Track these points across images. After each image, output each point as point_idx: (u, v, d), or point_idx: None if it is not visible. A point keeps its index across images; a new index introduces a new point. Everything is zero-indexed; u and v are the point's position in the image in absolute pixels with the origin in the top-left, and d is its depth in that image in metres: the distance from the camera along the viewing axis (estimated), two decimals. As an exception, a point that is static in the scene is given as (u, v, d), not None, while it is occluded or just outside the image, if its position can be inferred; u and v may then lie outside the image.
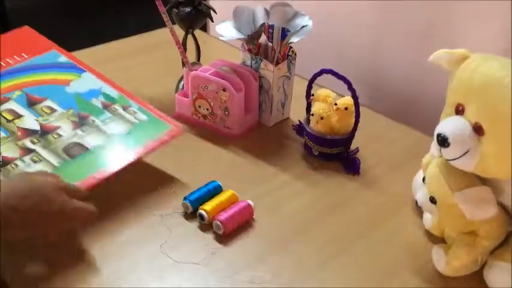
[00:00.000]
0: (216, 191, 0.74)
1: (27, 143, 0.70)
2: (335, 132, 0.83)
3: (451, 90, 0.61)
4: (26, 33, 0.89)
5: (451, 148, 0.57)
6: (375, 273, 0.65)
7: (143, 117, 0.77)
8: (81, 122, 0.74)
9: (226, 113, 0.87)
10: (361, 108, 0.80)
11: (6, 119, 0.73)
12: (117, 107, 0.78)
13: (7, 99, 0.75)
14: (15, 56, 0.83)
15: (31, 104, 0.76)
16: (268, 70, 0.88)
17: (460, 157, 0.57)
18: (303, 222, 0.73)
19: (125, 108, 0.78)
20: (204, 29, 1.31)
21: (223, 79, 0.85)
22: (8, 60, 0.82)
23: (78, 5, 2.01)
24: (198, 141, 0.88)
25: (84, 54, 1.15)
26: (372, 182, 0.81)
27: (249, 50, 0.89)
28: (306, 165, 0.84)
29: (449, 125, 0.58)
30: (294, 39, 0.85)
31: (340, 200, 0.77)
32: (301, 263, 0.66)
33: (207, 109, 0.89)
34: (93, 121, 0.75)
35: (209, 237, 0.69)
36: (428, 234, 0.71)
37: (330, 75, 0.80)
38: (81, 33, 1.98)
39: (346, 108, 0.81)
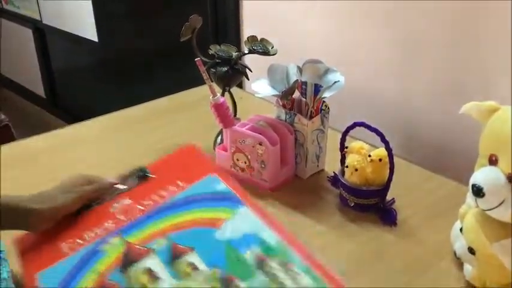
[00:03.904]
0: None
1: None
2: (370, 184, 0.84)
3: (483, 141, 0.62)
4: (189, 153, 0.77)
5: (486, 198, 0.58)
6: (415, 326, 0.64)
7: (308, 282, 0.57)
8: None
9: (263, 166, 0.90)
10: (395, 159, 0.82)
11: (141, 283, 0.60)
12: (275, 264, 0.59)
13: (150, 252, 0.63)
14: (170, 187, 0.71)
15: (174, 258, 0.62)
16: (302, 124, 0.91)
17: (496, 207, 0.58)
18: (340, 274, 0.73)
19: (285, 267, 0.59)
20: (240, 85, 1.37)
21: (260, 133, 0.89)
22: (162, 192, 0.70)
23: (120, 68, 2.13)
24: (236, 194, 0.91)
25: (125, 114, 1.23)
26: (409, 233, 0.81)
27: (283, 106, 0.93)
28: (342, 216, 0.85)
29: (483, 175, 0.59)
30: (327, 94, 0.89)
31: (378, 252, 0.77)
32: (340, 315, 0.66)
33: (245, 162, 0.92)
34: None
35: None
36: (470, 285, 0.70)
37: (363, 127, 0.83)
38: (122, 93, 2.09)
39: (380, 160, 0.82)
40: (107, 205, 0.71)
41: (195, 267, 0.60)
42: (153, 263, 0.62)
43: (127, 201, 0.71)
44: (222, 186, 0.70)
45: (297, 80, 0.90)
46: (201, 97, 1.09)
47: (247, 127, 0.92)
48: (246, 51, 0.95)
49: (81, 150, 1.08)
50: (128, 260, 0.63)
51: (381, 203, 0.85)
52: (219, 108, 0.91)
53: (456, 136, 1.04)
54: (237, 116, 1.02)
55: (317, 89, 0.90)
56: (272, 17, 1.32)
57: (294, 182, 0.94)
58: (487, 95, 0.95)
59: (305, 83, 0.91)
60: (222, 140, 0.99)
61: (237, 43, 1.43)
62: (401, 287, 0.70)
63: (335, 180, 0.92)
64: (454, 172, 0.94)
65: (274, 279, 0.57)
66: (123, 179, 0.74)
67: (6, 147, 1.08)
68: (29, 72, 2.72)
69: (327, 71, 0.91)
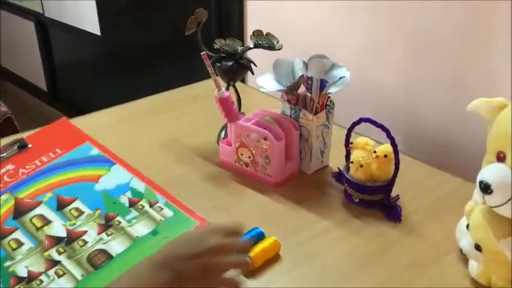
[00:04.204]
0: (259, 237, 0.75)
1: (53, 253, 0.70)
2: (375, 180, 0.84)
3: (491, 138, 0.62)
4: (62, 126, 0.92)
5: (494, 195, 0.58)
6: (420, 322, 0.64)
7: (169, 213, 0.76)
8: (106, 225, 0.74)
9: (267, 161, 0.90)
10: (400, 155, 0.82)
11: (35, 226, 0.73)
12: (143, 203, 0.78)
13: (39, 203, 0.76)
14: (50, 153, 0.85)
15: (60, 206, 0.76)
16: (307, 119, 0.90)
17: (503, 204, 0.57)
18: (345, 270, 0.73)
19: (151, 205, 0.77)
20: (243, 80, 1.37)
21: (265, 128, 0.89)
22: (43, 158, 0.84)
23: (124, 60, 2.12)
24: (241, 189, 0.91)
25: (130, 107, 1.22)
26: (414, 229, 0.81)
27: (288, 101, 0.93)
28: (346, 212, 0.85)
29: (491, 172, 0.59)
30: (332, 90, 0.88)
31: (382, 248, 0.77)
32: (345, 310, 0.66)
33: (249, 157, 0.92)
34: (119, 222, 0.74)
35: (253, 283, 0.70)
36: (475, 282, 0.70)
37: (368, 123, 0.82)
38: (124, 87, 2.09)
39: (385, 156, 0.82)
40: None
41: (80, 212, 0.75)
42: (43, 211, 0.75)
43: (11, 166, 0.83)
44: (95, 151, 0.86)
45: (303, 75, 0.89)
46: (206, 91, 1.09)
47: (252, 122, 0.91)
48: (252, 46, 0.94)
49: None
50: (19, 211, 0.76)
51: (386, 199, 0.84)
52: (224, 102, 0.91)
53: (461, 133, 1.04)
54: (241, 110, 1.02)
55: (323, 84, 0.89)
56: (276, 13, 1.32)
57: (298, 178, 0.94)
58: (490, 93, 0.94)
59: (311, 78, 0.90)
60: (226, 134, 0.99)
61: (240, 38, 1.43)
62: (405, 283, 0.70)
63: (339, 176, 0.92)
64: (459, 169, 0.94)
65: (144, 213, 0.76)
66: (4, 149, 0.83)
67: (8, 140, 1.07)
68: (30, 66, 2.71)
69: (333, 66, 0.91)
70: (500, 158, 0.59)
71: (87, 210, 0.75)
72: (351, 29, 1.17)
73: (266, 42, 0.94)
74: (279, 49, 0.94)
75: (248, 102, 1.05)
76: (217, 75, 0.93)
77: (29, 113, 2.50)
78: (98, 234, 0.72)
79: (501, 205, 0.58)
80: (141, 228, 0.73)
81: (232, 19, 1.45)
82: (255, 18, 1.40)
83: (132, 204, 0.77)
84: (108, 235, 0.72)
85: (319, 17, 1.23)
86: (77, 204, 0.76)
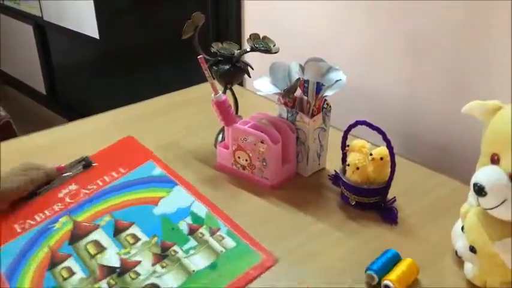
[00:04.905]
0: (394, 259, 0.72)
1: (104, 285, 0.66)
2: (371, 182, 0.84)
3: (485, 141, 0.62)
4: (127, 143, 0.91)
5: (488, 197, 0.58)
6: (416, 324, 0.65)
7: (231, 243, 0.71)
8: (162, 255, 0.70)
9: (264, 164, 0.90)
10: (396, 158, 0.82)
11: (89, 253, 0.71)
12: (204, 231, 0.73)
13: (96, 227, 0.75)
14: (113, 173, 0.84)
15: (117, 232, 0.74)
16: (304, 122, 0.91)
17: (497, 206, 0.58)
18: (342, 272, 0.73)
19: (212, 233, 0.73)
20: (241, 83, 1.37)
21: (262, 131, 0.89)
22: (105, 178, 0.83)
23: (123, 62, 2.12)
24: (238, 191, 0.91)
25: (128, 110, 1.23)
26: (410, 232, 0.81)
27: (285, 104, 0.93)
28: (343, 214, 0.85)
29: (485, 174, 0.59)
30: (329, 93, 0.89)
31: (379, 250, 0.77)
32: (341, 313, 0.66)
33: (246, 160, 0.92)
34: (176, 252, 0.70)
35: (251, 284, 0.70)
36: (471, 284, 0.70)
37: (364, 126, 0.83)
38: (123, 90, 2.09)
39: (381, 158, 0.83)
40: (55, 191, 0.82)
41: (136, 238, 0.73)
42: (99, 236, 0.73)
43: (73, 186, 0.83)
44: (158, 170, 0.84)
45: (299, 78, 0.90)
46: (204, 94, 1.09)
47: (249, 125, 0.92)
48: (248, 49, 0.95)
49: (81, 147, 1.08)
50: (76, 235, 0.74)
51: (382, 202, 0.85)
52: (220, 105, 0.91)
53: (457, 135, 1.05)
54: (238, 114, 1.02)
55: (319, 87, 0.90)
56: (273, 16, 1.32)
57: (295, 180, 0.94)
58: (489, 94, 0.95)
59: (307, 81, 0.91)
60: (223, 137, 1.00)
61: (238, 41, 1.43)
62: (402, 285, 0.70)
63: (336, 179, 0.92)
64: (455, 171, 0.94)
65: (203, 242, 0.71)
66: (69, 167, 0.86)
67: (7, 144, 1.08)
68: (29, 69, 2.71)
69: (329, 69, 0.92)
70: (494, 160, 0.60)
71: (143, 237, 0.73)
72: (347, 32, 1.18)
73: (263, 45, 0.94)
74: (275, 52, 0.94)
75: (245, 106, 1.05)
76: (214, 79, 0.94)
77: (28, 116, 2.50)
78: (152, 265, 0.69)
79: (495, 207, 0.58)
80: (198, 261, 0.69)
81: (229, 22, 1.45)
82: (252, 21, 1.41)
83: (191, 231, 0.73)
84: (163, 267, 0.68)
85: (315, 20, 1.23)
86: (134, 229, 0.74)
